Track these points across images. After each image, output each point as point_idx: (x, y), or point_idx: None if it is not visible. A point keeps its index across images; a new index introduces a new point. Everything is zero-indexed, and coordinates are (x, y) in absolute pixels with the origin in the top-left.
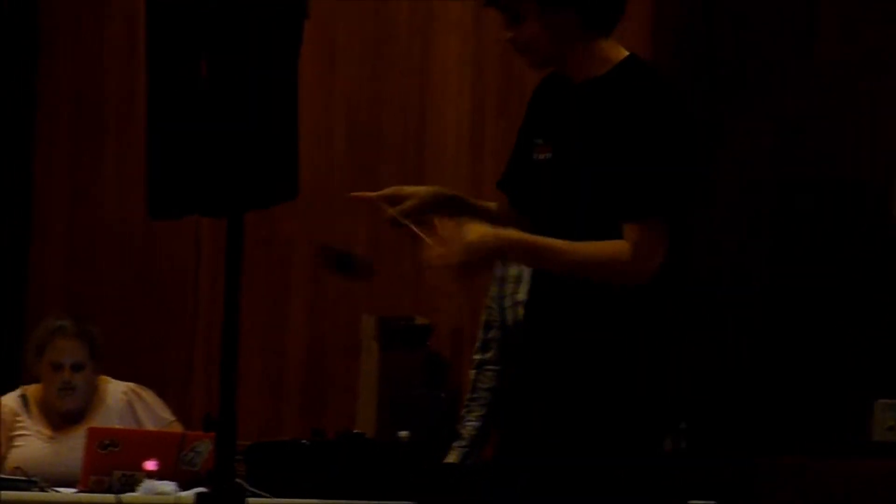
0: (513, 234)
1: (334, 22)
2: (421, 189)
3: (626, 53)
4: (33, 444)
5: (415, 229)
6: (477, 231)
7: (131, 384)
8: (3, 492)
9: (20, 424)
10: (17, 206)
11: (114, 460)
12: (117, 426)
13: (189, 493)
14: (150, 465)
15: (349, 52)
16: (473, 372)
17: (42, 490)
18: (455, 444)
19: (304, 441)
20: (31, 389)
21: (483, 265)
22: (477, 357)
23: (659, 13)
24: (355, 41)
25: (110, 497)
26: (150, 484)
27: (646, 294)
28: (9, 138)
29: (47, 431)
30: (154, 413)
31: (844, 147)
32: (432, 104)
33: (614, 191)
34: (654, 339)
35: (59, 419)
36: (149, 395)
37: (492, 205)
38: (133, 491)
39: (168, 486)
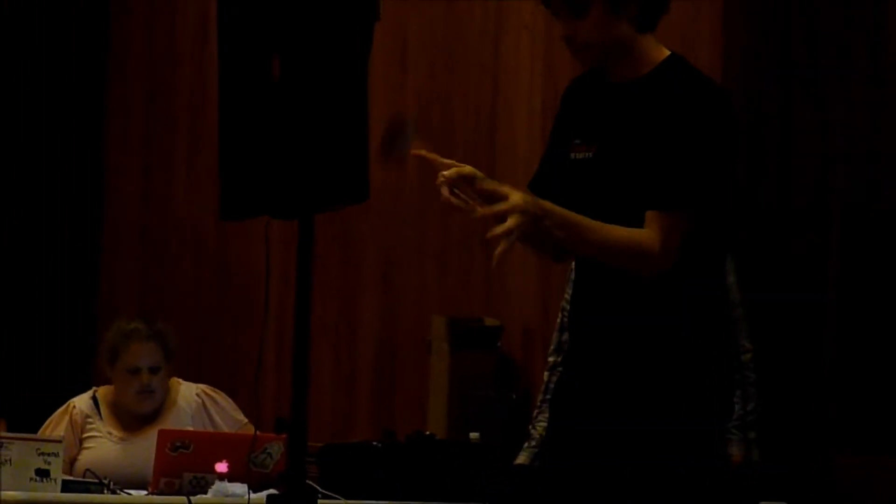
0: (547, 203)
1: (406, 23)
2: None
3: (668, 52)
4: (104, 445)
5: (461, 198)
6: (519, 194)
7: (203, 386)
8: (74, 494)
9: (91, 426)
10: (89, 206)
11: (185, 462)
12: (190, 428)
13: (260, 495)
14: (221, 466)
15: (420, 52)
16: (547, 374)
17: (113, 492)
18: (526, 445)
19: (375, 443)
20: (102, 391)
21: (530, 228)
22: (551, 359)
23: (729, 11)
24: (426, 42)
25: (181, 499)
26: (220, 486)
27: (699, 287)
28: (80, 139)
29: (118, 433)
30: (228, 414)
31: None
32: (503, 104)
33: (653, 180)
34: (707, 335)
35: (130, 421)
36: (221, 397)
37: None
38: (204, 493)
39: (239, 487)
